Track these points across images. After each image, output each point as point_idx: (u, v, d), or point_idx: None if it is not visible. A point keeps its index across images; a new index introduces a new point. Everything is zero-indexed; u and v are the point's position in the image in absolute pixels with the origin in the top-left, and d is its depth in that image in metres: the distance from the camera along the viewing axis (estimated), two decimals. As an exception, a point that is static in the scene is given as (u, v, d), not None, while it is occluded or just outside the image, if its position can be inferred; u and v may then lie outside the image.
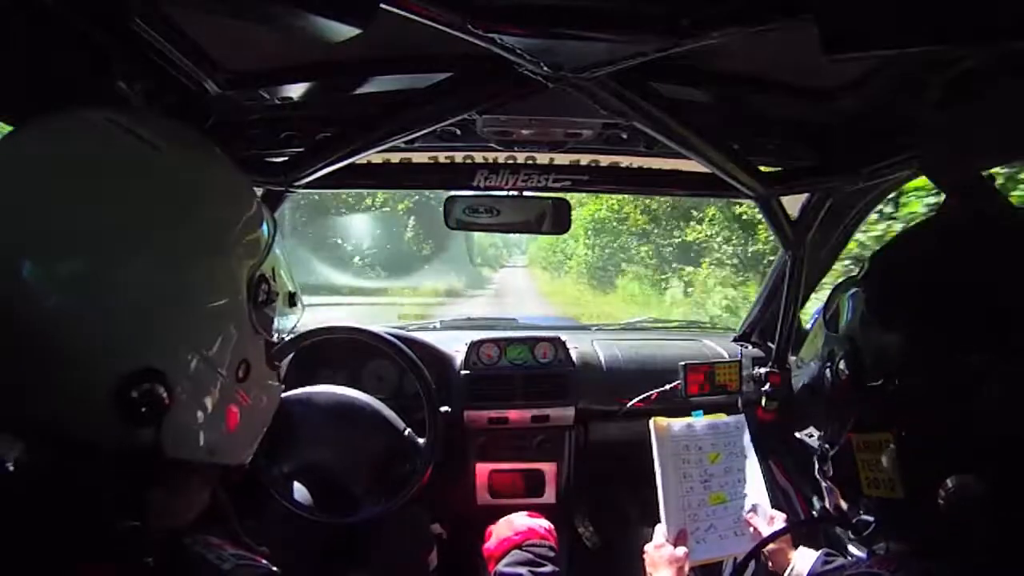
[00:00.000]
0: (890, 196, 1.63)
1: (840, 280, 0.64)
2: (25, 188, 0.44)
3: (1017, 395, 0.45)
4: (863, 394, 0.53)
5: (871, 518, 0.56)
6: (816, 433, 0.63)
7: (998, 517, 0.45)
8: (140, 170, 0.47)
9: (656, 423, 1.13)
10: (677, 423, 1.15)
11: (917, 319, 0.50)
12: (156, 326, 0.45)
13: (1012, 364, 0.45)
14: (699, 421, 1.16)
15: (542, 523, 0.93)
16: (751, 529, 1.05)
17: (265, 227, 0.55)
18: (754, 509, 1.08)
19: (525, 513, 0.95)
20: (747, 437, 1.16)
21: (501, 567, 0.85)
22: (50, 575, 0.42)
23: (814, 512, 1.24)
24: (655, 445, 1.11)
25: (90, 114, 0.48)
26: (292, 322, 0.61)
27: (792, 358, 1.37)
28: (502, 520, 0.95)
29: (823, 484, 0.63)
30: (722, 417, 1.18)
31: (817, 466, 0.62)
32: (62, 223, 0.43)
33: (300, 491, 1.13)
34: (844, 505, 0.62)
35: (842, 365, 0.55)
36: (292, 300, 0.60)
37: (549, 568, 0.84)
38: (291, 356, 1.27)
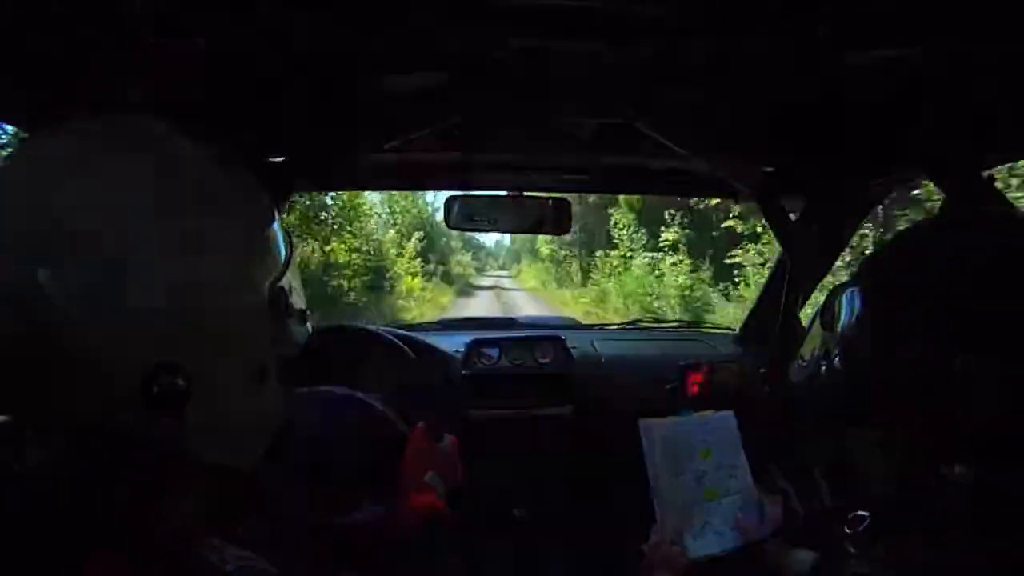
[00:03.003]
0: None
1: (838, 284, 0.64)
2: (62, 185, 0.44)
3: (1004, 390, 0.45)
4: (856, 391, 0.54)
5: (865, 513, 0.56)
6: (813, 433, 0.63)
7: (984, 505, 0.46)
8: (179, 169, 0.48)
9: (644, 424, 1.13)
10: (666, 422, 1.14)
11: (907, 318, 0.51)
12: (183, 324, 0.46)
13: (1000, 362, 0.45)
14: (689, 419, 1.16)
15: None
16: (742, 525, 1.05)
17: (282, 239, 0.56)
18: (743, 505, 1.08)
19: None
20: (736, 432, 1.16)
21: None
22: (56, 568, 0.42)
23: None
24: (645, 445, 1.11)
25: (133, 116, 0.49)
26: (302, 340, 0.62)
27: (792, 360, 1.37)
28: None
29: (820, 483, 0.64)
30: (711, 413, 1.18)
31: (815, 465, 0.63)
32: (97, 220, 0.43)
33: (300, 492, 1.13)
34: (839, 501, 0.62)
35: (836, 362, 0.55)
36: (304, 318, 0.61)
37: None
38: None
